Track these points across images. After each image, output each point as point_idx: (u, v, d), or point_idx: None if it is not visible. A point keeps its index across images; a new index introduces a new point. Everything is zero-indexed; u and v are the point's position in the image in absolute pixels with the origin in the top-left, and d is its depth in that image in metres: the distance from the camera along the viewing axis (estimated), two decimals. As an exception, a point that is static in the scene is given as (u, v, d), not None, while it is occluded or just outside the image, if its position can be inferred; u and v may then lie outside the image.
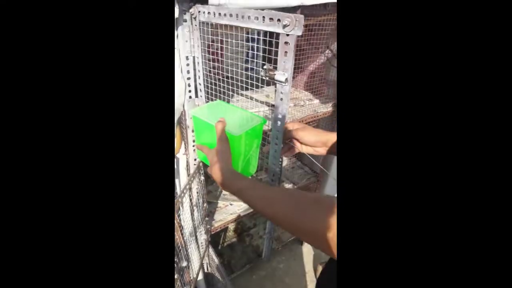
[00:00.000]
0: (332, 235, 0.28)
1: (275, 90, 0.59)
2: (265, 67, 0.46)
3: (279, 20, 0.41)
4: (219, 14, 0.52)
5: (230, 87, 0.61)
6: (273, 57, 0.52)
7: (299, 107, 0.86)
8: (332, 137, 0.55)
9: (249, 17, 0.46)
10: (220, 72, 0.68)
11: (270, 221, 0.40)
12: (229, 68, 0.61)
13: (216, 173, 0.46)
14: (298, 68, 0.79)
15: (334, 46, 0.79)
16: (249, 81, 0.56)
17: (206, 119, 0.53)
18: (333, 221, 0.29)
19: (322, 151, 0.56)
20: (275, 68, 0.45)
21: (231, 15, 0.49)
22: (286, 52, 0.42)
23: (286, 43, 0.42)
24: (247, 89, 0.59)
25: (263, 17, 0.43)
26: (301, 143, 0.55)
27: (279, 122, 0.50)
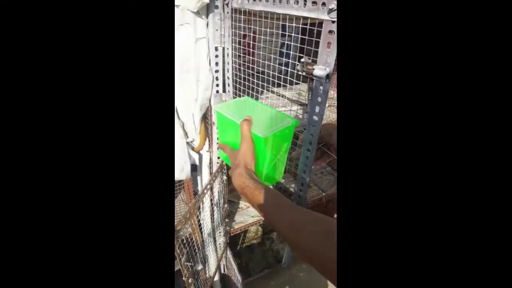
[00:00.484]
0: None
1: (309, 88, 0.51)
2: (302, 60, 0.39)
3: (324, 4, 0.34)
4: (254, -1, 0.46)
5: (260, 82, 0.55)
6: (313, 48, 0.45)
7: (334, 108, 0.77)
8: None
9: (287, 1, 0.39)
10: (251, 66, 0.62)
11: (291, 246, 0.32)
12: (261, 62, 0.55)
13: (236, 178, 0.41)
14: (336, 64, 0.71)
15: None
16: (282, 76, 0.49)
17: (230, 116, 0.47)
18: None
19: None
20: (314, 62, 0.38)
21: (267, 0, 0.43)
22: (329, 43, 0.35)
23: (330, 31, 0.35)
24: (278, 85, 0.53)
25: (305, 1, 0.36)
26: (336, 149, 0.48)
27: (314, 126, 0.43)
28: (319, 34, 0.37)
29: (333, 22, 0.34)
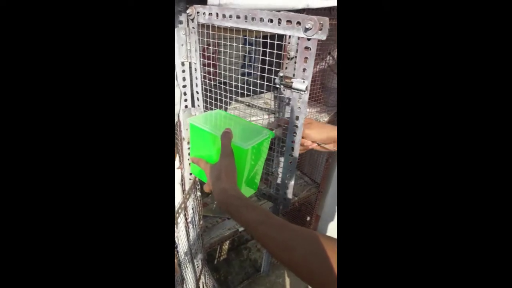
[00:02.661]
0: None
1: (275, 97, 0.54)
2: (280, 74, 0.42)
3: (298, 23, 0.37)
4: (223, 15, 0.47)
5: (227, 94, 0.55)
6: (274, 60, 0.48)
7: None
8: None
9: (261, 19, 0.41)
10: (217, 78, 0.62)
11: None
12: (227, 73, 0.56)
13: (219, 194, 0.38)
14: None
15: (336, 53, 0.77)
16: (248, 86, 0.51)
17: (206, 129, 0.47)
18: None
19: (332, 147, 0.52)
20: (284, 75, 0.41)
21: (238, 17, 0.45)
22: (306, 58, 0.38)
23: (306, 48, 0.38)
24: (246, 95, 0.54)
25: (279, 19, 0.39)
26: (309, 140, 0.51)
27: (295, 133, 0.45)
28: (279, 47, 0.39)
29: (308, 39, 0.37)
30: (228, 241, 1.23)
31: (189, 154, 0.69)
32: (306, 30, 0.36)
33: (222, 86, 0.55)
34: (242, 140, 0.44)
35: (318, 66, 0.83)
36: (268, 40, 0.45)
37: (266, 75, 0.45)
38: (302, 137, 0.50)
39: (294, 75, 0.41)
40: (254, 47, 0.51)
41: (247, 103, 0.77)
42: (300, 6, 0.53)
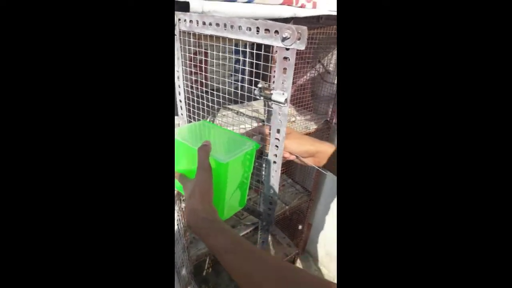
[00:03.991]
0: None
1: (265, 104, 0.52)
2: (259, 85, 0.40)
3: (276, 32, 0.35)
4: (203, 23, 0.45)
5: (215, 99, 0.53)
6: (261, 72, 0.46)
7: (289, 123, 0.80)
8: (323, 148, 0.48)
9: (240, 27, 0.39)
10: (203, 86, 0.60)
11: None
12: (214, 81, 0.54)
13: (189, 215, 0.35)
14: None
15: (325, 61, 0.75)
16: (239, 92, 0.49)
17: (185, 141, 0.44)
18: None
19: (309, 162, 0.50)
20: (269, 86, 0.39)
21: (217, 25, 0.43)
22: (285, 68, 0.36)
23: (285, 58, 0.36)
24: (235, 102, 0.52)
25: (257, 27, 0.37)
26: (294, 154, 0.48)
27: (277, 146, 0.43)
28: (267, 49, 0.37)
29: (287, 49, 0.35)
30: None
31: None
32: (284, 39, 0.34)
33: (209, 93, 0.53)
34: (221, 153, 0.42)
35: (308, 74, 0.81)
36: (254, 50, 0.43)
37: (246, 85, 0.43)
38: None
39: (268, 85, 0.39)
40: (241, 56, 0.50)
41: (236, 111, 0.75)
42: (287, 15, 0.51)
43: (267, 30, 0.36)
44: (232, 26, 0.41)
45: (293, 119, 0.82)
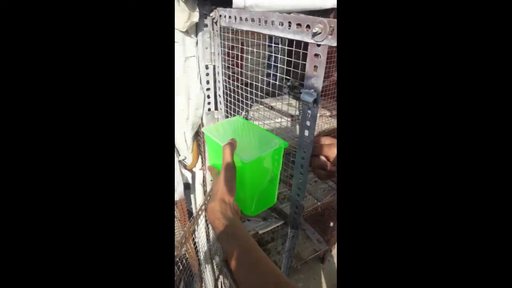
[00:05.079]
0: None
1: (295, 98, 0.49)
2: (288, 83, 0.38)
3: (308, 26, 0.32)
4: (241, 18, 0.44)
5: (248, 95, 0.52)
6: (292, 69, 0.43)
7: (325, 118, 0.75)
8: None
9: (272, 22, 0.38)
10: (240, 77, 0.60)
11: None
12: (249, 74, 0.53)
13: (209, 213, 0.36)
14: (326, 76, 0.69)
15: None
16: (270, 88, 0.47)
17: (216, 139, 0.45)
18: None
19: None
20: (302, 85, 0.37)
21: (253, 20, 0.42)
22: (315, 66, 0.33)
23: (316, 55, 0.33)
24: (267, 96, 0.50)
25: (289, 22, 0.35)
26: (329, 162, 0.45)
27: (304, 150, 0.41)
28: (306, 46, 0.35)
29: (318, 45, 0.32)
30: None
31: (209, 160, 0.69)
32: (315, 34, 0.31)
33: (244, 87, 0.53)
34: (247, 151, 0.41)
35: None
36: (286, 46, 0.41)
37: (277, 82, 0.41)
38: (324, 156, 0.44)
39: (302, 84, 0.36)
40: (279, 46, 0.48)
41: (268, 106, 0.73)
42: (328, 5, 0.47)
43: (299, 24, 0.34)
44: (266, 22, 0.39)
45: (329, 113, 0.75)
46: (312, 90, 0.35)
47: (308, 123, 0.38)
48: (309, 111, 0.37)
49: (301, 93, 0.36)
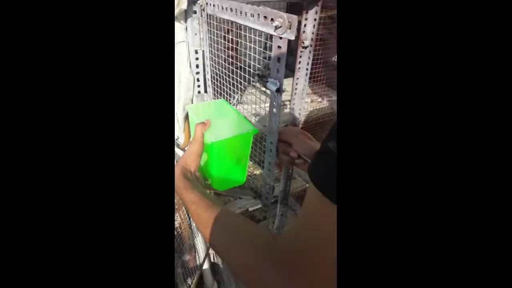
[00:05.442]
0: None
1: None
2: (258, 72, 0.41)
3: (272, 19, 0.35)
4: (222, 7, 0.47)
5: (238, 79, 0.55)
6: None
7: (316, 103, 0.77)
8: None
9: (245, 13, 0.40)
10: (235, 62, 0.62)
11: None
12: (246, 57, 0.55)
13: (176, 168, 0.43)
14: (317, 60, 0.70)
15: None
16: (261, 73, 0.50)
17: (195, 117, 0.50)
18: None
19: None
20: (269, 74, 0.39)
21: (231, 10, 0.44)
22: (279, 58, 0.36)
23: (278, 47, 0.35)
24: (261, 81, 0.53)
25: (258, 14, 0.37)
26: (292, 148, 0.49)
27: (272, 134, 0.44)
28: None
29: (280, 38, 0.35)
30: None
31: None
32: (276, 28, 0.34)
33: (231, 72, 0.56)
34: (215, 133, 0.46)
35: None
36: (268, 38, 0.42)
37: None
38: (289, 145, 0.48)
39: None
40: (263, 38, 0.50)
41: (261, 90, 0.76)
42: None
43: (265, 17, 0.36)
44: (241, 12, 0.41)
45: (320, 99, 0.77)
46: (276, 80, 0.38)
47: (274, 110, 0.41)
48: (274, 100, 0.40)
49: (267, 82, 0.39)
